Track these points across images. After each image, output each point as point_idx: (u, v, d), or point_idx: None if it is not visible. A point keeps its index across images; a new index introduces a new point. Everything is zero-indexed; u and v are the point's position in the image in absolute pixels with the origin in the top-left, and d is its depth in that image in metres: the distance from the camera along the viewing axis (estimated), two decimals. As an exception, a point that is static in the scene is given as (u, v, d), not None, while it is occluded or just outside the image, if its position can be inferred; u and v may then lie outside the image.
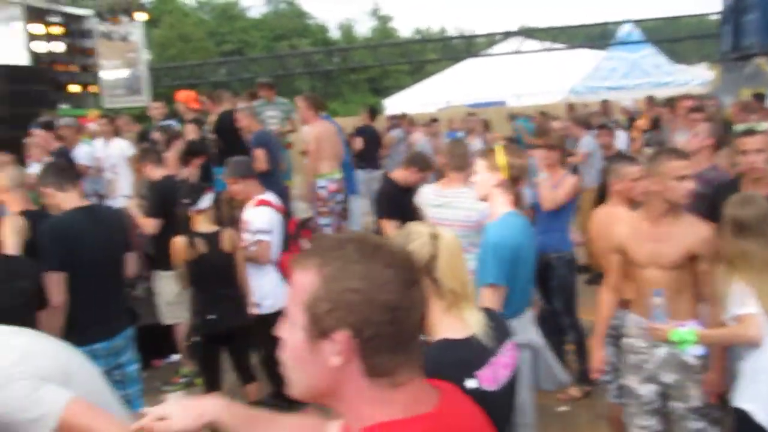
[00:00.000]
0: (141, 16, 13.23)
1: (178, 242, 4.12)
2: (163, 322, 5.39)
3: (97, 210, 3.97)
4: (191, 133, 7.46)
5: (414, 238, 1.98)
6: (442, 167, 5.74)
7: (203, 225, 4.22)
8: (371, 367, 1.09)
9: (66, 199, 3.70)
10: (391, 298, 1.06)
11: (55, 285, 3.49)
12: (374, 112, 10.52)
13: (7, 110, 10.63)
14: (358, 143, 9.75)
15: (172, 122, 8.77)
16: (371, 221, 9.94)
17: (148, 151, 5.69)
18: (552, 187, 4.86)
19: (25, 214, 4.07)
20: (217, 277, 4.15)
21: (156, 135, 8.17)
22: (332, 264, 1.08)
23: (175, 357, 5.75)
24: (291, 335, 1.13)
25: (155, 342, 5.40)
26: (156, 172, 5.25)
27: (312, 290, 1.08)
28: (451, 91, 22.85)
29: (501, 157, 3.10)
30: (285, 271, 4.65)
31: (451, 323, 1.98)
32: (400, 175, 5.17)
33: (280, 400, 4.08)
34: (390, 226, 4.87)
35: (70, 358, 2.16)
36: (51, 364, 1.98)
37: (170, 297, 5.19)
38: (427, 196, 4.39)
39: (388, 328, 1.07)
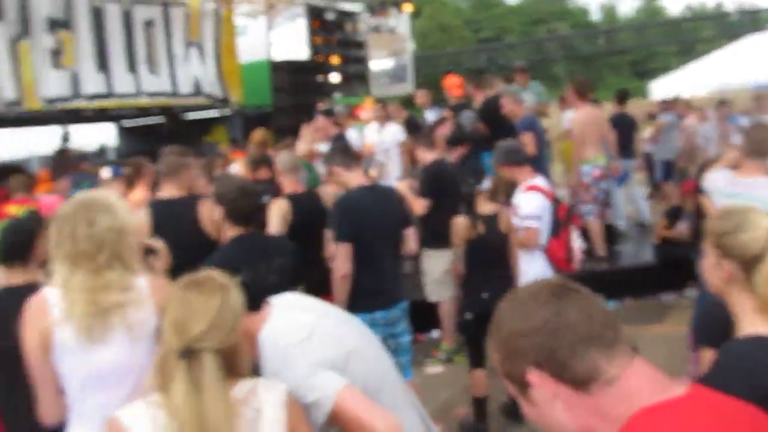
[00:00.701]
0: (407, 8, 13.81)
1: (461, 222, 4.23)
2: (428, 299, 5.61)
3: (377, 188, 4.24)
4: (450, 120, 7.65)
5: (747, 227, 1.79)
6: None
7: (483, 206, 4.30)
8: (573, 381, 1.13)
9: (351, 178, 3.99)
10: (535, 323, 1.15)
11: (343, 255, 3.77)
12: (623, 96, 9.45)
13: (289, 100, 11.85)
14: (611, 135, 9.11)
15: (439, 109, 9.06)
16: (631, 209, 9.41)
17: (420, 135, 5.94)
18: None
19: (290, 197, 4.47)
20: (492, 258, 4.22)
21: (421, 121, 8.54)
22: (493, 332, 1.24)
23: (436, 333, 5.97)
24: (522, 407, 1.23)
25: (418, 317, 5.64)
26: (427, 156, 5.46)
27: (496, 360, 1.23)
28: (727, 72, 20.63)
29: None
30: (553, 257, 4.58)
31: (765, 320, 1.78)
32: (732, 157, 4.79)
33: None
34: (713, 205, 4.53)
35: (351, 330, 2.26)
36: (332, 344, 2.06)
37: (437, 275, 5.38)
38: (716, 183, 3.98)
39: (552, 342, 1.13)
